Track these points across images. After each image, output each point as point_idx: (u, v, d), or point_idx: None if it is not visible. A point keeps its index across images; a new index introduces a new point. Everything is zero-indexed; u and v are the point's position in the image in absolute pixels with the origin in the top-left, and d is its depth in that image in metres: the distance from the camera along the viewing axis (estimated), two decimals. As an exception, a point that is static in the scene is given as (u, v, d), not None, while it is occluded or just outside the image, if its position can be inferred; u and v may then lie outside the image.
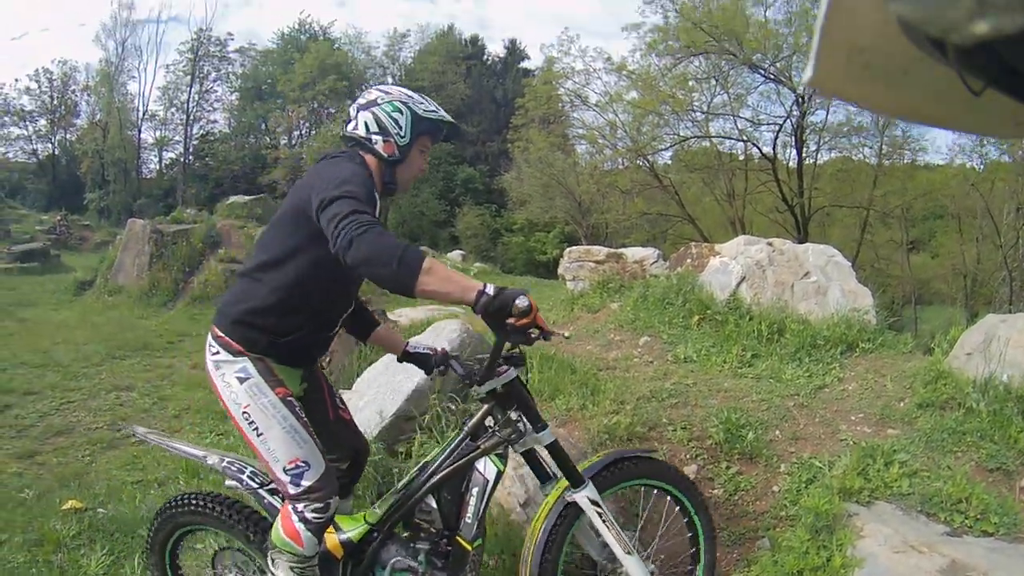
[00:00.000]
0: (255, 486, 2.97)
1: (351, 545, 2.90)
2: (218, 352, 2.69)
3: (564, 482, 2.92)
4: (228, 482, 3.04)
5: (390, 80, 46.25)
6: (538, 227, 32.35)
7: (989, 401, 5.03)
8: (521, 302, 2.25)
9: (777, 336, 6.53)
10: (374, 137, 2.77)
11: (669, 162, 25.39)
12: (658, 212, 24.66)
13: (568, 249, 10.15)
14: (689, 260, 8.67)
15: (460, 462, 2.84)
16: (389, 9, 78.51)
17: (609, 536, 2.89)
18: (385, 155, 2.78)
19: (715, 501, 4.23)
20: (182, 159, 43.79)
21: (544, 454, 2.95)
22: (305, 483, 2.63)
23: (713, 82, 22.42)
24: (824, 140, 23.75)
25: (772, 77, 20.54)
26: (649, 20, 21.04)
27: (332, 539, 2.88)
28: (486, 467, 2.86)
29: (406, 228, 40.22)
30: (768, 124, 23.00)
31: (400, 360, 3.30)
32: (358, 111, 2.82)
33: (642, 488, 3.43)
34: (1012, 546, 3.90)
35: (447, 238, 40.26)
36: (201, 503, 3.03)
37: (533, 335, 2.39)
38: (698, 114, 22.72)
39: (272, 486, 2.89)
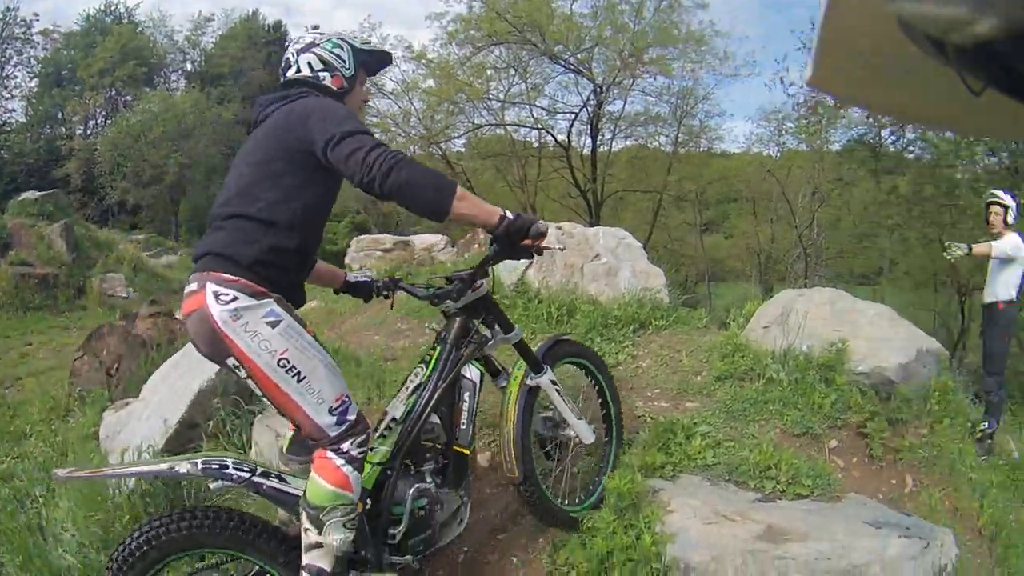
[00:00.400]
0: (247, 475, 2.70)
1: (366, 494, 2.83)
2: (236, 298, 2.49)
3: (520, 372, 3.42)
4: (213, 484, 2.73)
5: (189, 67, 46.73)
6: (329, 216, 31.56)
7: (790, 370, 5.24)
8: (542, 225, 2.67)
9: (567, 317, 6.46)
10: (321, 74, 2.89)
11: (463, 150, 25.56)
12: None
13: (356, 238, 10.29)
14: (477, 245, 8.64)
15: (452, 373, 3.03)
16: None
17: (565, 408, 3.56)
18: (335, 88, 2.89)
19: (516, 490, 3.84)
20: (-26, 150, 38.62)
21: (494, 354, 3.43)
22: (351, 417, 2.63)
23: (512, 71, 22.64)
24: (620, 128, 24.74)
25: (572, 68, 20.99)
26: (453, 9, 21.03)
27: None
28: (471, 372, 3.18)
29: (197, 222, 37.83)
30: (564, 113, 23.58)
31: (337, 292, 3.48)
32: (297, 55, 2.91)
33: (571, 367, 3.95)
34: (829, 506, 4.07)
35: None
36: (197, 519, 2.64)
37: (540, 250, 2.76)
38: (494, 102, 22.92)
39: (264, 470, 2.76)
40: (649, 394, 5.22)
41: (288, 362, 2.50)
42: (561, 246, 5.75)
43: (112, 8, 45.95)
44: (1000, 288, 6.66)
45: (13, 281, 12.76)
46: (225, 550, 2.74)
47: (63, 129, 42.91)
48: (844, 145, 17.47)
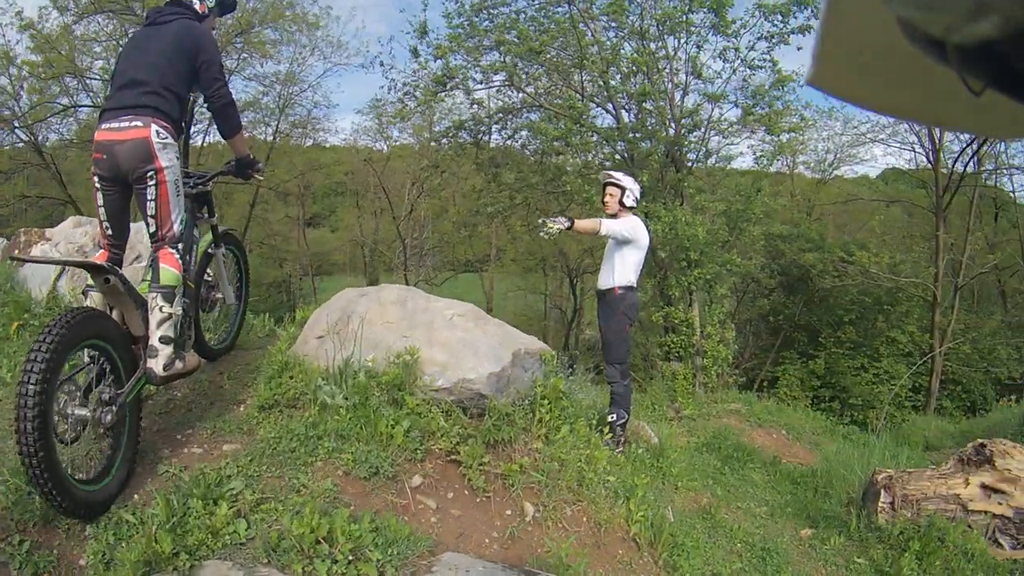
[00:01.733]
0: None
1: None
2: (167, 137, 3.74)
3: (206, 242, 4.64)
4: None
5: None
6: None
7: (350, 393, 4.16)
8: (260, 166, 4.61)
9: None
10: (195, 2, 4.20)
11: (62, 137, 21.31)
12: (38, 195, 20.96)
13: None
14: (17, 250, 6.84)
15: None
16: None
17: (223, 274, 4.88)
18: (200, 12, 4.19)
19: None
20: None
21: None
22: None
23: (105, 44, 19.24)
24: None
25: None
26: None
27: None
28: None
29: None
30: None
31: None
32: None
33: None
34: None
35: None
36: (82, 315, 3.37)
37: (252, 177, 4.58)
38: (95, 81, 19.30)
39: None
40: (179, 436, 4.08)
41: (177, 182, 3.88)
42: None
43: None
44: (618, 273, 6.16)
45: None
46: (91, 340, 3.40)
47: None
48: (443, 130, 16.96)
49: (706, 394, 11.84)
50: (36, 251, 6.50)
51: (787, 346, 21.92)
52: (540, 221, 6.20)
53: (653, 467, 6.00)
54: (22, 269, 6.38)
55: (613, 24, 13.58)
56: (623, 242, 6.13)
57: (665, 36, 13.10)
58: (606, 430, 5.68)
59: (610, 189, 6.31)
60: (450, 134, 16.14)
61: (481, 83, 14.70)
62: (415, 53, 14.42)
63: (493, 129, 15.67)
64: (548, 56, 14.06)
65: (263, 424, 4.11)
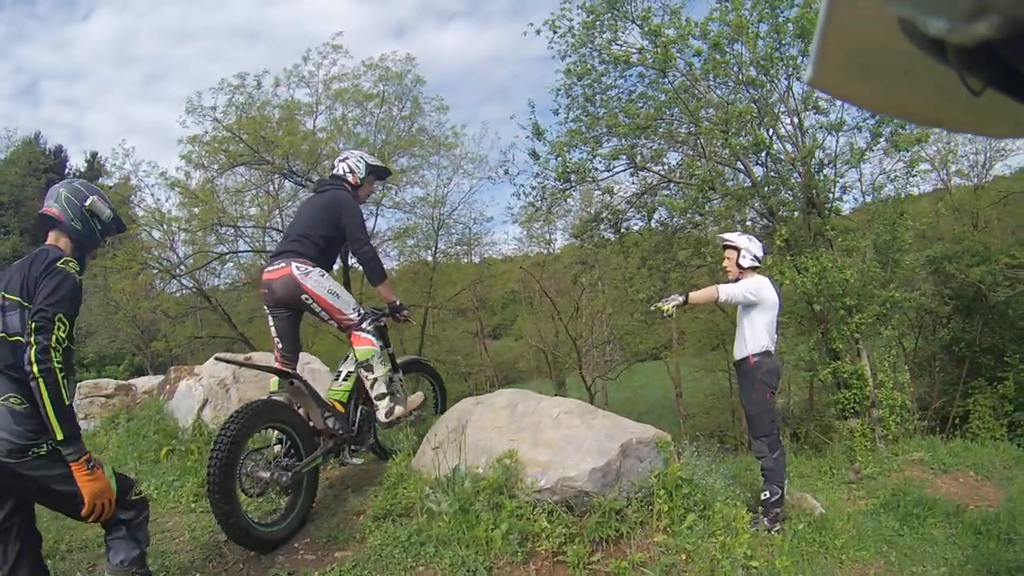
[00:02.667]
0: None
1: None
2: (306, 267, 4.78)
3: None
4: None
5: None
6: (108, 359, 28.69)
7: (453, 500, 4.24)
8: (407, 311, 5.50)
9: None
10: (347, 175, 5.31)
11: (225, 281, 23.54)
12: (210, 334, 22.47)
13: (79, 384, 8.80)
14: (168, 385, 7.78)
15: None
16: None
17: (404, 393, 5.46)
18: (352, 183, 5.29)
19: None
20: None
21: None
22: (361, 312, 5.05)
23: (261, 194, 21.44)
24: (378, 246, 23.07)
25: (309, 184, 19.61)
26: (189, 130, 19.26)
27: None
28: None
29: None
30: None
31: None
32: (337, 163, 5.43)
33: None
34: None
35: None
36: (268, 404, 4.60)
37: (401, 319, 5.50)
38: (248, 227, 21.39)
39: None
40: (296, 544, 4.40)
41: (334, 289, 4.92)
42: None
43: None
44: (749, 339, 5.89)
45: None
46: (276, 422, 4.49)
47: None
48: (581, 225, 16.83)
49: (887, 447, 10.85)
50: (182, 386, 7.29)
51: (974, 374, 18.97)
52: (653, 308, 6.13)
53: (815, 542, 5.54)
54: (171, 402, 7.16)
55: (718, 81, 13.24)
56: (748, 306, 5.89)
57: (773, 78, 12.60)
58: (760, 510, 5.45)
59: (727, 252, 6.14)
60: (588, 228, 16.02)
61: (606, 171, 14.56)
62: (534, 155, 14.46)
63: (629, 214, 15.44)
64: (663, 129, 13.87)
65: (374, 533, 4.30)
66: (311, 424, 4.80)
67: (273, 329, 5.00)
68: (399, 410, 4.91)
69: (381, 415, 4.91)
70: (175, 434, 6.60)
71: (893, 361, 12.78)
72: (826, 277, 11.21)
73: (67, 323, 3.07)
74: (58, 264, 3.16)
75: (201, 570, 4.13)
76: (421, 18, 78.94)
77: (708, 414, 24.46)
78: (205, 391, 6.84)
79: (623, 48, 13.50)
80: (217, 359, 5.97)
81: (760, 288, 5.88)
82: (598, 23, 13.26)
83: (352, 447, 5.03)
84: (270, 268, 4.89)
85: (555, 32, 13.46)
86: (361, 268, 5.35)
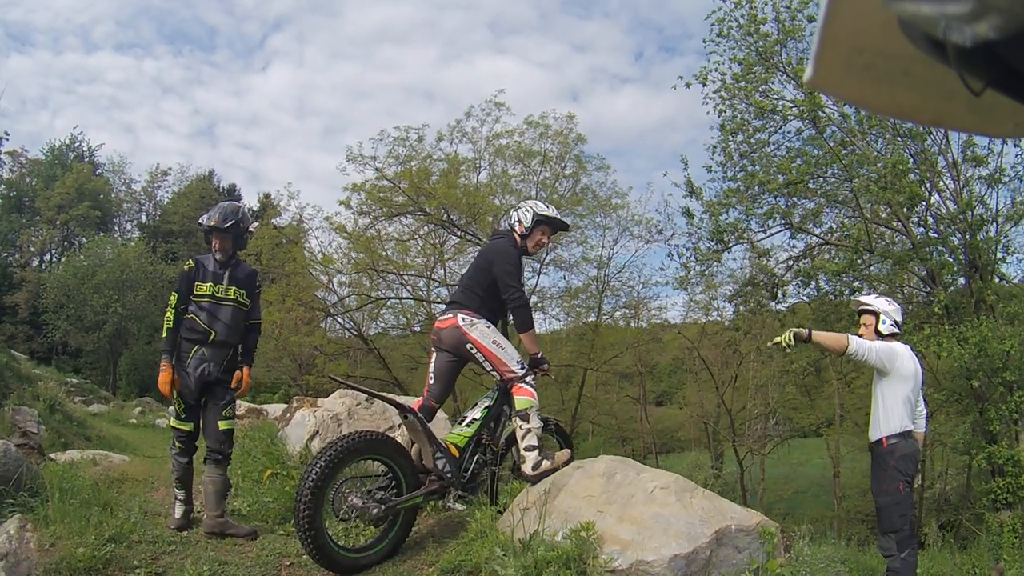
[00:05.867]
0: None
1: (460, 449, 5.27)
2: (471, 319, 5.11)
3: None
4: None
5: (144, 218, 50.33)
6: (264, 387, 30.27)
7: (522, 566, 3.92)
8: (545, 365, 5.57)
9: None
10: (515, 224, 5.51)
11: (381, 326, 24.60)
12: (363, 375, 22.90)
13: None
14: (288, 413, 8.13)
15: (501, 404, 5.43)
16: (170, 147, 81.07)
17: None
18: (519, 232, 5.46)
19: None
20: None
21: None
22: (524, 368, 5.20)
23: (420, 242, 21.96)
24: (539, 306, 23.14)
25: (471, 237, 20.03)
26: (350, 177, 20.33)
27: None
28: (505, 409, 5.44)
29: (137, 375, 37.27)
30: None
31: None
32: (510, 213, 5.82)
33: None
34: None
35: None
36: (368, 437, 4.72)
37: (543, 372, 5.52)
38: (409, 276, 22.02)
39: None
40: None
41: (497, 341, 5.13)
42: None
43: (76, 144, 47.35)
44: (883, 418, 5.22)
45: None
46: (378, 455, 4.69)
47: (18, 256, 43.29)
48: (737, 290, 15.99)
49: None
50: (298, 415, 7.62)
51: None
52: (771, 344, 5.54)
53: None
54: (285, 429, 7.45)
55: (876, 134, 12.52)
56: (882, 374, 5.22)
57: (930, 130, 11.45)
58: None
59: (863, 318, 5.55)
60: (743, 292, 15.31)
61: (761, 232, 13.98)
62: (688, 214, 14.09)
63: (787, 278, 14.60)
64: (819, 188, 13.23)
65: (440, 587, 4.11)
66: (421, 463, 4.98)
67: (432, 366, 5.35)
68: (546, 464, 4.96)
69: (528, 467, 4.99)
70: (281, 459, 6.86)
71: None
72: (986, 349, 10.13)
73: (175, 296, 5.28)
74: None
75: None
76: (594, 82, 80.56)
77: (864, 496, 22.70)
78: (317, 422, 7.03)
79: (774, 100, 13.12)
80: (332, 379, 6.87)
81: (895, 355, 5.22)
82: (750, 75, 12.92)
83: (458, 493, 5.07)
84: (441, 317, 5.38)
85: (704, 85, 13.23)
86: (510, 315, 5.29)
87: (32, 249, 43.89)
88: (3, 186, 43.56)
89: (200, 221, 5.44)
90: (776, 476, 27.27)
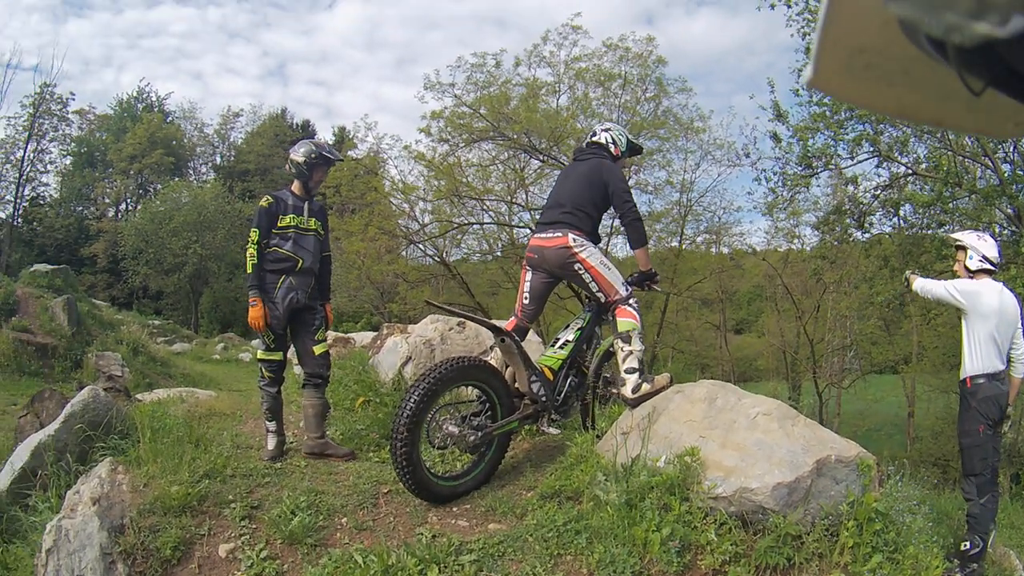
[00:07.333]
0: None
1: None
2: (581, 240, 4.96)
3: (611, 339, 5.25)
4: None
5: (218, 160, 50.83)
6: (347, 316, 30.85)
7: (625, 491, 3.93)
8: (657, 277, 5.49)
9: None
10: (610, 145, 5.34)
11: (464, 252, 24.70)
12: (445, 301, 23.22)
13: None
14: (379, 340, 8.21)
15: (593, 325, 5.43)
16: (241, 90, 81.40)
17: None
18: (614, 154, 5.33)
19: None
20: (11, 220, 39.46)
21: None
22: (629, 289, 5.10)
23: (501, 167, 21.87)
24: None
25: (553, 161, 19.82)
26: (429, 106, 20.35)
27: None
28: (598, 329, 5.55)
29: (219, 312, 38.91)
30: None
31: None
32: (600, 132, 5.44)
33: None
34: None
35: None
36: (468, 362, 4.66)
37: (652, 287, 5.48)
38: (490, 201, 21.94)
39: None
40: (455, 508, 4.44)
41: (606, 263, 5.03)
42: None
43: (144, 95, 48.32)
44: (967, 358, 5.20)
45: (13, 346, 13.60)
46: (472, 381, 4.62)
47: (93, 208, 44.81)
48: (823, 218, 15.36)
49: None
50: (389, 342, 7.72)
51: None
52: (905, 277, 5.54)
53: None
54: (376, 356, 7.53)
55: None
56: (962, 312, 5.21)
57: None
58: (956, 562, 4.79)
59: (957, 254, 5.45)
60: (830, 220, 14.73)
61: (849, 158, 13.51)
62: (776, 138, 13.69)
63: (874, 206, 14.13)
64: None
65: (535, 512, 4.17)
66: (515, 386, 4.94)
67: (527, 285, 5.22)
68: (646, 387, 4.87)
69: (628, 389, 4.89)
70: (374, 387, 6.92)
71: None
72: None
73: (256, 231, 5.32)
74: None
75: (351, 515, 4.24)
76: (669, 5, 78.62)
77: (937, 439, 22.22)
78: (410, 348, 7.10)
79: None
80: (429, 303, 6.82)
81: (973, 292, 5.15)
82: None
83: (552, 416, 5.02)
84: (543, 235, 5.07)
85: (789, 7, 12.69)
86: (625, 229, 5.14)
87: (107, 200, 45.13)
88: (73, 144, 44.51)
89: (296, 158, 5.48)
90: (851, 412, 26.82)
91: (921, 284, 5.25)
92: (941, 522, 5.61)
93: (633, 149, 5.60)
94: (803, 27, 12.76)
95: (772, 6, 12.83)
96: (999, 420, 5.21)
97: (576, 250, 4.89)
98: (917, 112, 0.81)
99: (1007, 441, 16.47)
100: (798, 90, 13.34)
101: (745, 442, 4.07)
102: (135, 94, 48.64)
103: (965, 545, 5.03)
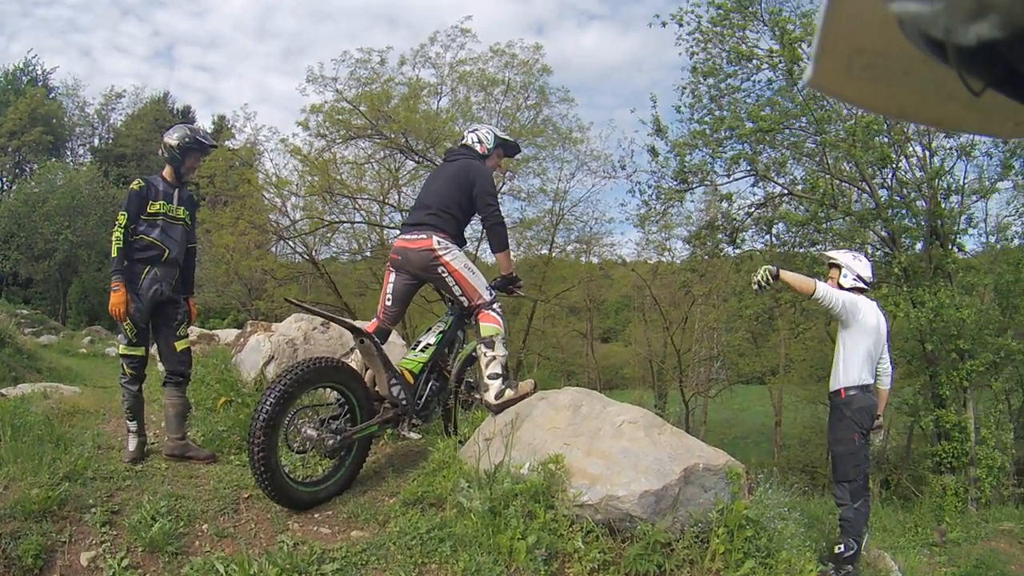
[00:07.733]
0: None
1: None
2: (446, 243, 4.90)
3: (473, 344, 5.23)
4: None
5: (96, 142, 48.73)
6: (214, 313, 29.81)
7: (489, 498, 3.85)
8: (520, 281, 5.56)
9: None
10: (476, 145, 5.38)
11: (334, 251, 24.49)
12: (313, 300, 22.70)
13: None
14: (242, 338, 7.97)
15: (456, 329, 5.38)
16: (127, 69, 77.82)
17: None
18: (480, 152, 5.35)
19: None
20: None
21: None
22: (493, 295, 5.06)
23: (375, 166, 21.81)
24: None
25: (421, 161, 19.96)
26: (310, 99, 19.96)
27: None
28: (461, 334, 5.50)
29: (87, 304, 36.54)
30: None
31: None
32: (467, 133, 5.51)
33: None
34: None
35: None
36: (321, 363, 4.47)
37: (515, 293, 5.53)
38: (362, 200, 21.88)
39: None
40: (317, 515, 4.31)
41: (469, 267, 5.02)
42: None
43: (30, 68, 45.37)
44: (843, 369, 5.35)
45: None
46: (331, 383, 4.52)
47: None
48: (696, 232, 16.08)
49: (978, 511, 10.07)
50: (252, 340, 7.44)
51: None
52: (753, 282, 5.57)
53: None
54: (239, 355, 7.26)
55: None
56: (844, 325, 5.33)
57: None
58: (830, 565, 4.95)
59: (831, 272, 5.61)
60: (702, 235, 15.30)
61: (725, 176, 13.96)
62: (654, 152, 14.06)
63: (747, 224, 14.65)
64: (787, 139, 13.25)
65: (398, 519, 4.07)
66: (375, 389, 4.83)
67: (391, 287, 5.13)
68: (510, 393, 4.84)
69: (491, 395, 4.86)
70: (236, 387, 6.70)
71: (998, 417, 11.95)
72: (942, 315, 10.48)
73: (124, 215, 4.99)
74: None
75: (212, 521, 4.04)
76: (561, 17, 79.72)
77: (804, 447, 23.51)
78: (273, 348, 6.91)
79: (751, 47, 13.06)
80: (290, 301, 6.20)
81: (859, 307, 5.31)
82: (726, 21, 12.81)
83: (413, 421, 4.93)
84: (408, 236, 5.00)
85: (681, 26, 13.08)
86: (486, 232, 5.14)
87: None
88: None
89: (170, 142, 5.22)
90: (718, 420, 28.01)
91: (825, 289, 5.26)
92: (812, 527, 5.78)
93: (507, 146, 5.55)
94: (691, 47, 13.21)
95: (664, 24, 13.18)
96: (871, 429, 5.40)
97: (440, 253, 4.85)
98: (917, 112, 0.82)
99: (875, 449, 17.52)
100: (680, 107, 13.75)
101: (611, 450, 4.04)
102: (21, 66, 45.69)
103: (839, 548, 5.15)
